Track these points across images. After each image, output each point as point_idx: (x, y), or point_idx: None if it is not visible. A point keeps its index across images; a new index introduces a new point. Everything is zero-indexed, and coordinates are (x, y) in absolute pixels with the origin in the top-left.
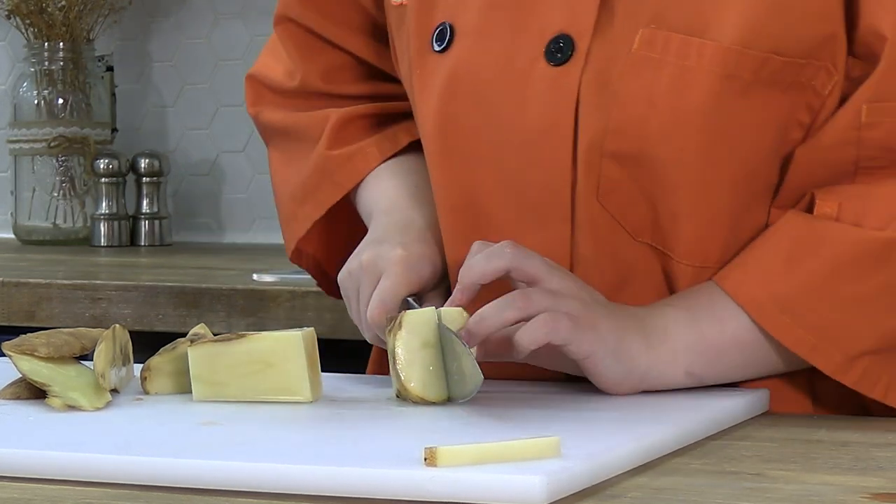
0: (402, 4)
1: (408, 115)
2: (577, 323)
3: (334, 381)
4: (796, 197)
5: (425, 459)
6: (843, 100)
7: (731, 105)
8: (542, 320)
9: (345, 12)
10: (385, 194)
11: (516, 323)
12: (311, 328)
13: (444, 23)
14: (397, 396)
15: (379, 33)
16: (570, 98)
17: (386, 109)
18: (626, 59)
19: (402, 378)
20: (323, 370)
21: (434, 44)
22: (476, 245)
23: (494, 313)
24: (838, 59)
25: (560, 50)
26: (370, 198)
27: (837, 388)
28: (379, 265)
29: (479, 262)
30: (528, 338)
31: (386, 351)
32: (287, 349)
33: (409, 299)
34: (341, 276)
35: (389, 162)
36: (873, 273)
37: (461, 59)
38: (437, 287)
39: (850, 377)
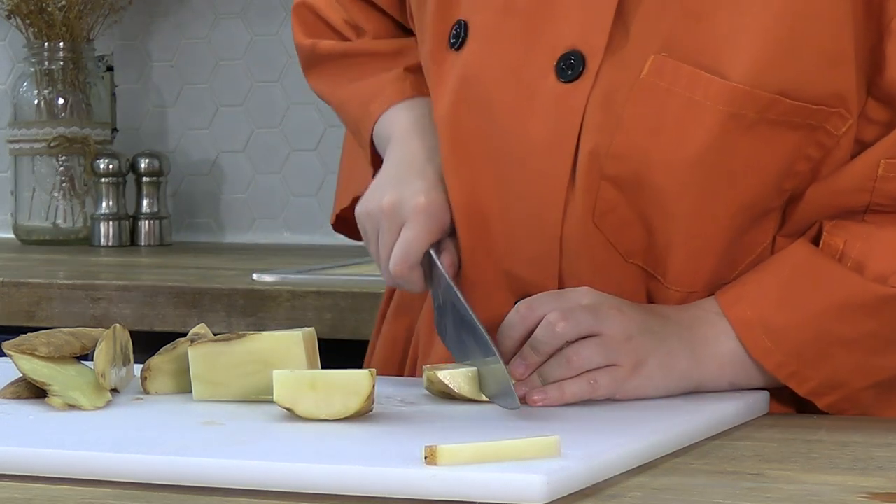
0: None
1: None
2: (619, 377)
3: None
4: (804, 229)
5: (425, 458)
6: (859, 141)
7: (735, 141)
8: (586, 380)
9: None
10: (396, 124)
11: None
12: (311, 328)
13: (460, 20)
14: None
15: None
16: (575, 117)
17: None
18: (635, 85)
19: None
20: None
21: (451, 40)
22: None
23: (551, 373)
24: (851, 105)
25: (571, 67)
26: (384, 129)
27: None
28: (401, 212)
29: (542, 342)
30: (570, 392)
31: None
32: (287, 349)
33: (431, 251)
34: (360, 215)
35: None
36: (863, 321)
37: (472, 63)
38: (452, 233)
39: (824, 401)
